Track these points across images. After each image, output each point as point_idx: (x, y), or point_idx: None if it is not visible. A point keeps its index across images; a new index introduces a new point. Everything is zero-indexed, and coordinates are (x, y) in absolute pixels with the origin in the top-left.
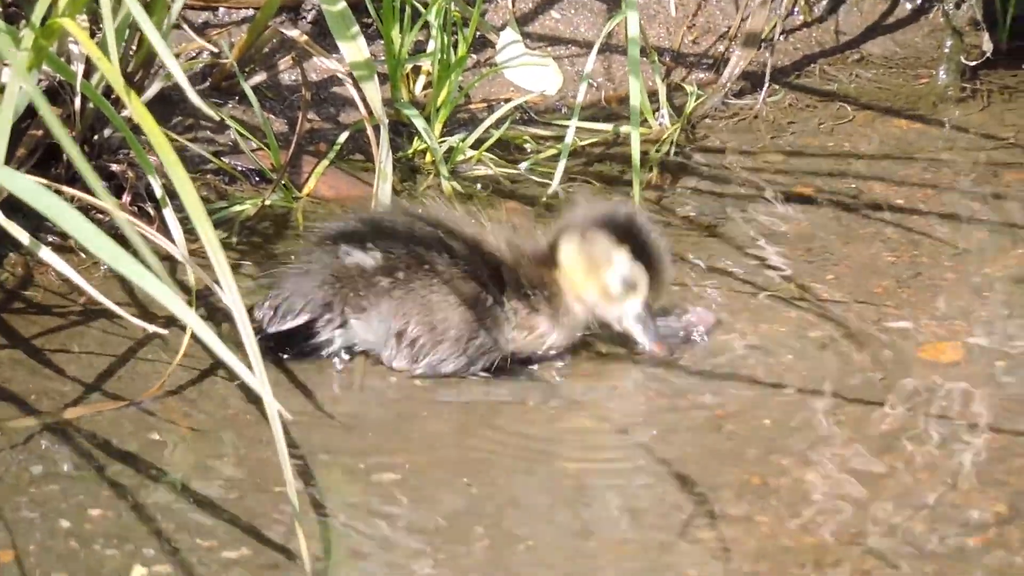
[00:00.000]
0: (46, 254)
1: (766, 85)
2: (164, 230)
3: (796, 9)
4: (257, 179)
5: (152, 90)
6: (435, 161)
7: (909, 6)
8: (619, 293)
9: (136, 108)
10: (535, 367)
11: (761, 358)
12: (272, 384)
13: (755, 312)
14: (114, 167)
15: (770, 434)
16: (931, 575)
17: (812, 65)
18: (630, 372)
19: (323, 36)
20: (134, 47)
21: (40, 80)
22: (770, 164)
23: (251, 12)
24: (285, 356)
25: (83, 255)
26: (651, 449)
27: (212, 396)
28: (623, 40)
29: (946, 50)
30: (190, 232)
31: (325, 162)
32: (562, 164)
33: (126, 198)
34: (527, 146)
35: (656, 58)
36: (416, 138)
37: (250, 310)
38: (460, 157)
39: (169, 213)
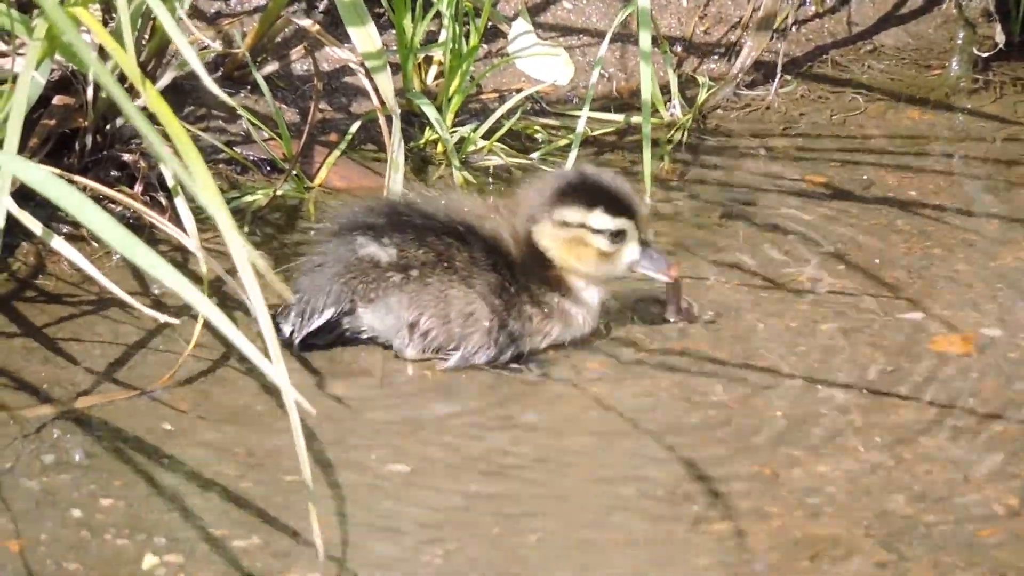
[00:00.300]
0: (58, 243)
1: (778, 75)
2: (176, 220)
3: None
4: (269, 169)
5: (165, 79)
6: (447, 151)
7: None
8: (615, 248)
9: (152, 97)
10: (546, 357)
11: (772, 349)
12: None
13: (766, 304)
14: (126, 157)
15: (781, 426)
16: (942, 567)
17: (824, 56)
18: (641, 363)
19: (335, 26)
20: (146, 37)
21: (52, 70)
22: (782, 155)
23: (263, 1)
24: (322, 348)
25: (95, 244)
26: (662, 440)
27: (224, 385)
28: (635, 30)
29: (959, 41)
30: (201, 222)
31: (337, 152)
32: (573, 154)
33: (138, 188)
34: (538, 136)
35: (668, 48)
36: (428, 128)
37: (274, 316)
38: (471, 147)
39: (181, 203)
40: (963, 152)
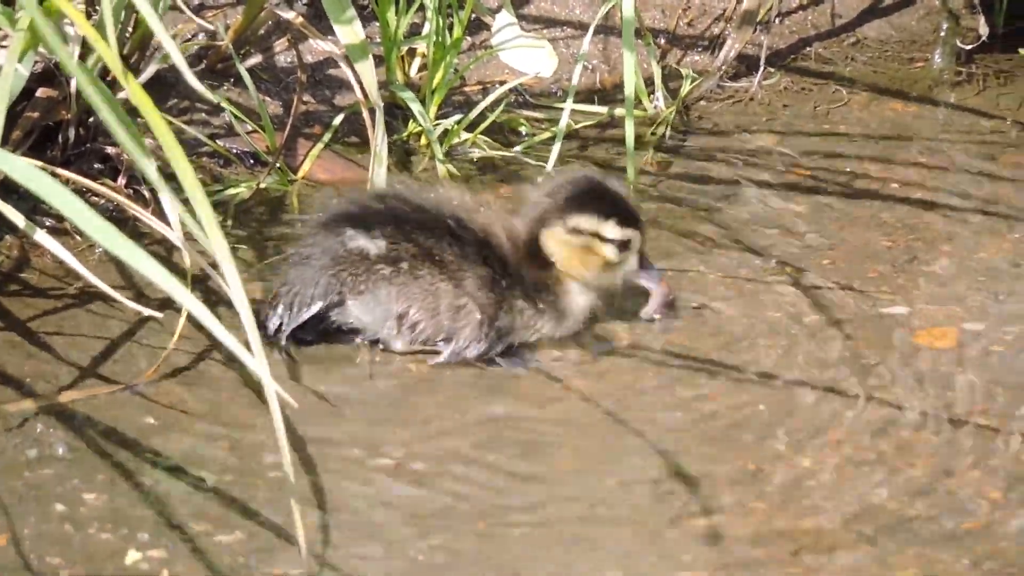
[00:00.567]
0: (42, 237)
1: (761, 68)
2: (159, 213)
3: None
4: (252, 162)
5: (148, 72)
6: (430, 143)
7: None
8: (621, 258)
9: (134, 90)
10: (531, 353)
11: (755, 343)
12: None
13: (749, 297)
14: (110, 149)
15: (764, 420)
16: (925, 561)
17: (808, 48)
18: (624, 357)
19: (319, 18)
20: (129, 29)
21: (35, 62)
22: (765, 147)
23: None
24: (310, 343)
25: (79, 238)
26: (645, 434)
27: (207, 379)
28: (619, 22)
29: (942, 33)
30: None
31: (320, 145)
32: (557, 147)
33: (121, 181)
34: (522, 129)
35: (651, 40)
36: (411, 120)
37: (260, 310)
38: (455, 140)
39: (166, 196)
40: (946, 144)
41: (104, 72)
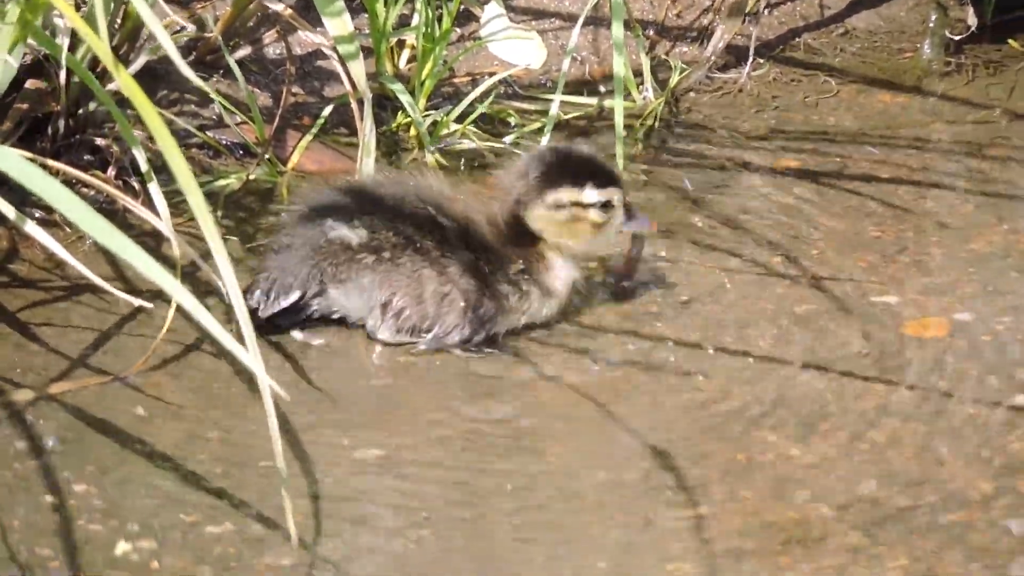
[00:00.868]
0: (31, 228)
1: (750, 59)
2: (149, 204)
3: None
4: (241, 153)
5: (138, 64)
6: (419, 135)
7: None
8: (606, 217)
9: (124, 81)
10: (518, 342)
11: (746, 333)
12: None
13: (739, 287)
14: (99, 141)
15: (755, 410)
16: (916, 551)
17: (796, 39)
18: (613, 347)
19: (308, 9)
20: (118, 21)
21: (25, 54)
22: (754, 138)
23: None
24: (289, 333)
25: (68, 229)
26: (634, 426)
27: (198, 371)
28: (608, 13)
29: (931, 24)
30: (175, 207)
31: (309, 136)
32: (546, 138)
33: (111, 172)
34: (511, 120)
35: (640, 32)
36: (400, 112)
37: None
38: (444, 131)
39: (154, 187)
40: (935, 135)
41: (93, 64)
